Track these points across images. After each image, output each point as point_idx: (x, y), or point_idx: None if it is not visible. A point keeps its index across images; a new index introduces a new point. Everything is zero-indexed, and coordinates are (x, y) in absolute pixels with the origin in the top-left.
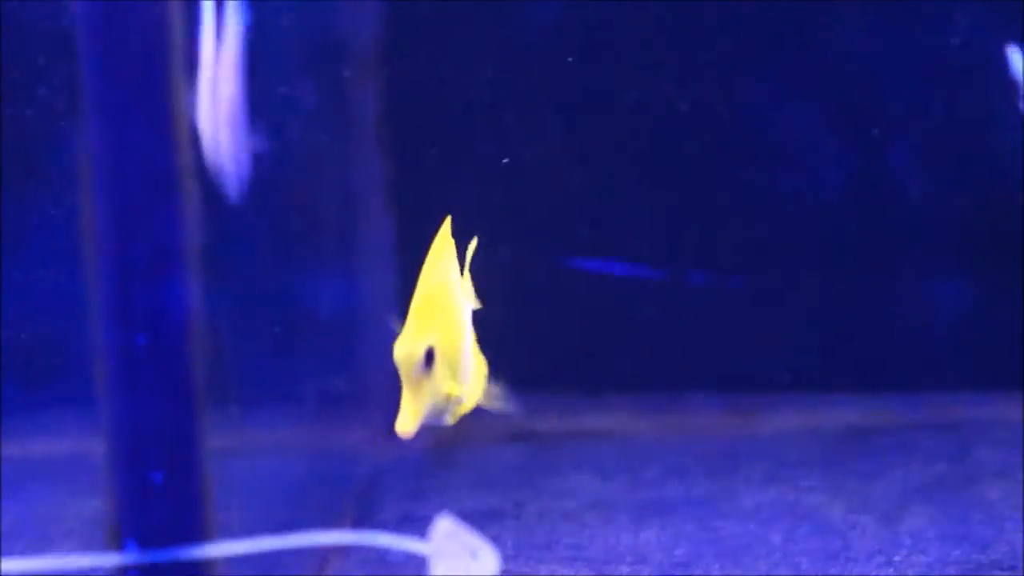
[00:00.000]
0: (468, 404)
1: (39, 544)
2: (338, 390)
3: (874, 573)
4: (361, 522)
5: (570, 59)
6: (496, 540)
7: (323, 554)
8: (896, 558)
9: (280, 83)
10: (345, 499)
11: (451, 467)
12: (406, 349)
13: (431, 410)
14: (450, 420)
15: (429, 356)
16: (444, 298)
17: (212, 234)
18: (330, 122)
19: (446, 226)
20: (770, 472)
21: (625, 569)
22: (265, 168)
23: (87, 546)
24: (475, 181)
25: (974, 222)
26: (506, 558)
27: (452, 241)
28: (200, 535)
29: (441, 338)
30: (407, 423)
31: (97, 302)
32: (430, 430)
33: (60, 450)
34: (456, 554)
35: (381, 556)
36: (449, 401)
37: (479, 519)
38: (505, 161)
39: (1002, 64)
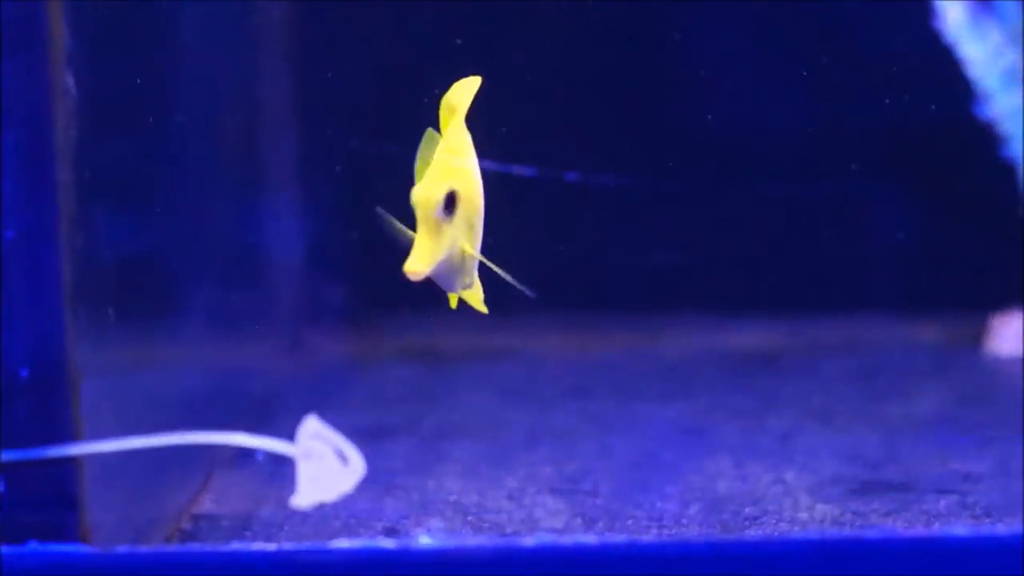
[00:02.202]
0: (476, 290)
1: None
2: (241, 305)
3: (765, 491)
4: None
5: None
6: (388, 453)
7: (210, 467)
8: (787, 476)
9: None
10: (239, 413)
11: (351, 384)
12: (427, 191)
13: (445, 263)
14: (458, 287)
15: (450, 199)
16: (463, 160)
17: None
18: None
19: (470, 84)
20: (670, 392)
21: (513, 483)
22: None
23: None
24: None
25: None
26: (397, 471)
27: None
28: (66, 435)
29: (461, 192)
30: (419, 263)
31: None
32: (336, 344)
33: None
34: (323, 455)
35: (271, 470)
36: (464, 261)
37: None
38: None
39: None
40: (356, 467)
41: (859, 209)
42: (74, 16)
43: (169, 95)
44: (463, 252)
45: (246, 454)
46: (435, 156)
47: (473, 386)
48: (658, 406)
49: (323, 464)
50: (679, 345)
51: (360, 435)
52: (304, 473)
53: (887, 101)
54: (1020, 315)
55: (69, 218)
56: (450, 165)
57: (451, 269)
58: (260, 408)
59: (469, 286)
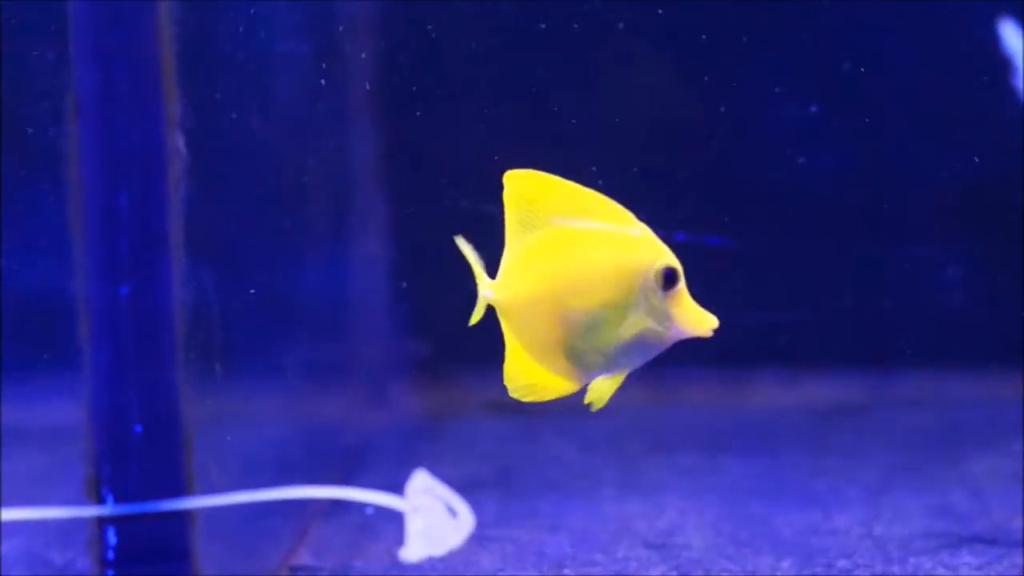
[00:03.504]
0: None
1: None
2: (329, 359)
3: (856, 545)
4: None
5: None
6: (478, 507)
7: (306, 519)
8: (877, 530)
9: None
10: (330, 466)
11: (436, 438)
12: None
13: None
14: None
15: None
16: None
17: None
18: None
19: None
20: (754, 446)
21: (606, 536)
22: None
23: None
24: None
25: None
26: (488, 524)
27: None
28: (178, 489)
29: None
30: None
31: (81, 253)
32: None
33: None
34: (433, 509)
35: (363, 522)
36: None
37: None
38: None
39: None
40: (465, 521)
41: (942, 262)
42: (185, 82)
43: (268, 156)
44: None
45: (342, 506)
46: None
47: (558, 440)
48: (744, 460)
49: (432, 518)
50: (762, 400)
51: (451, 488)
52: (413, 527)
53: (965, 156)
54: None
55: (180, 275)
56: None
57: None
58: (349, 461)
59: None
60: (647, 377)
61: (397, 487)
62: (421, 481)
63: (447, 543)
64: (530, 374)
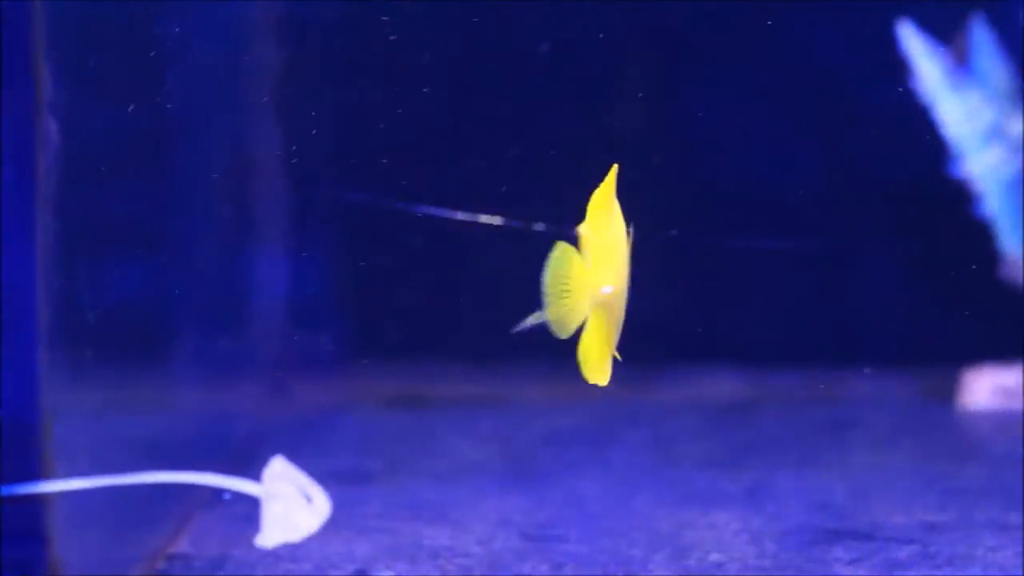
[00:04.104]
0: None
1: None
2: (225, 351)
3: (731, 539)
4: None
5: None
6: (364, 498)
7: (189, 508)
8: (755, 524)
9: None
10: (220, 457)
11: (333, 430)
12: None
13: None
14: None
15: None
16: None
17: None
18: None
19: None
20: (645, 441)
21: (484, 528)
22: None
23: None
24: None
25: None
26: (371, 515)
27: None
28: (36, 473)
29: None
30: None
31: None
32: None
33: None
34: (289, 496)
35: (248, 513)
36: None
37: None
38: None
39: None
40: (321, 508)
41: (835, 264)
42: (57, 64)
43: (154, 143)
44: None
45: (225, 496)
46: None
47: (453, 433)
48: (632, 455)
49: (288, 504)
50: (659, 395)
51: (338, 479)
52: (269, 513)
53: (865, 159)
54: (992, 371)
55: (48, 263)
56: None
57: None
58: (242, 452)
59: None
60: (547, 373)
61: None
62: (278, 467)
63: (302, 529)
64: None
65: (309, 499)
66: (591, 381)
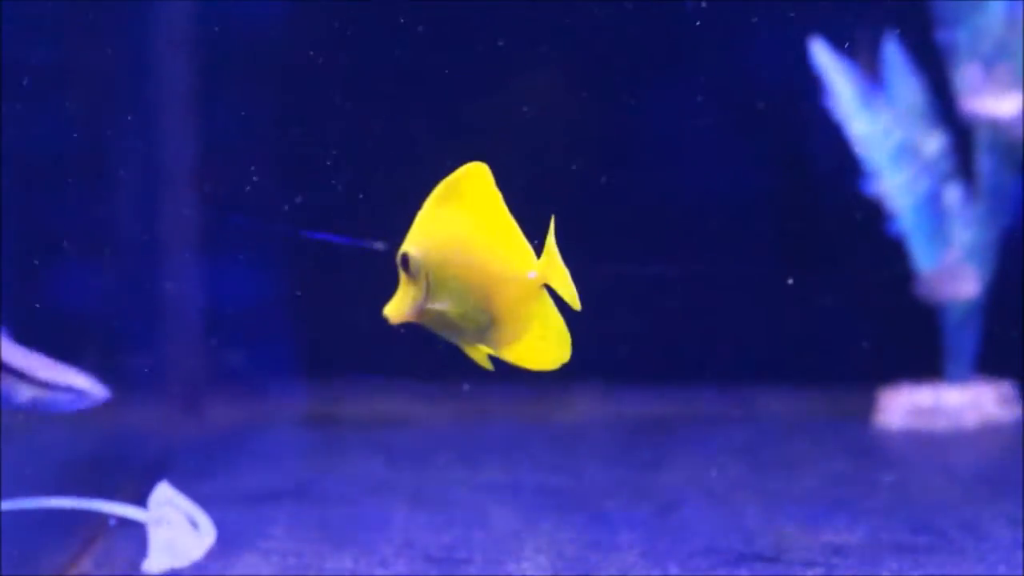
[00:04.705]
0: (476, 349)
1: None
2: (136, 367)
3: (635, 561)
4: (139, 499)
5: None
6: (270, 519)
7: (93, 531)
8: (660, 546)
9: None
10: (130, 475)
11: (244, 449)
12: (399, 251)
13: (418, 315)
14: (460, 343)
15: (404, 259)
16: (445, 229)
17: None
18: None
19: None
20: (557, 461)
21: (389, 550)
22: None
23: None
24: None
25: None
26: (276, 537)
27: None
28: None
29: (431, 256)
30: (390, 310)
31: None
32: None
33: None
34: (175, 522)
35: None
36: (442, 321)
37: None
38: None
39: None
40: (207, 533)
41: (750, 283)
42: None
43: (66, 146)
44: (438, 312)
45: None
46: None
47: (364, 452)
48: (544, 475)
49: (174, 530)
50: (572, 414)
51: (246, 500)
52: (155, 539)
53: (779, 177)
54: (907, 390)
55: None
56: (424, 230)
57: (434, 323)
58: (152, 471)
59: (465, 342)
60: (460, 392)
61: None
62: (163, 493)
63: (189, 555)
64: None
65: (195, 525)
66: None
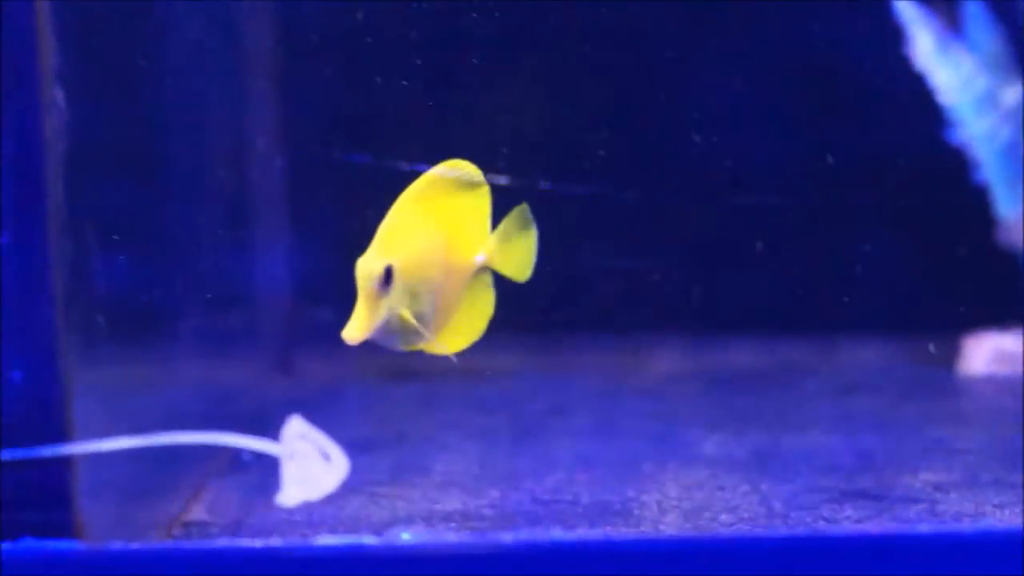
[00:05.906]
0: (432, 344)
1: None
2: (231, 326)
3: (740, 500)
4: (239, 450)
5: None
6: (372, 466)
7: (202, 476)
8: (763, 486)
9: None
10: (227, 427)
11: (337, 402)
12: (367, 266)
13: (383, 328)
14: (401, 346)
15: (387, 274)
16: (421, 231)
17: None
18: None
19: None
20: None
21: (495, 493)
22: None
23: None
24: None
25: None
26: (381, 482)
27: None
28: (58, 436)
29: (407, 264)
30: (354, 331)
31: None
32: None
33: None
34: (307, 455)
35: (261, 481)
36: (404, 327)
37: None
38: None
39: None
40: (340, 466)
41: (835, 232)
42: (65, 36)
43: (160, 119)
44: (402, 318)
45: (237, 465)
46: (390, 218)
47: (457, 404)
48: (638, 423)
49: (307, 463)
50: (660, 365)
51: (346, 448)
52: (289, 472)
53: (861, 126)
54: (991, 336)
55: (58, 228)
56: (402, 234)
57: (390, 332)
58: (249, 424)
59: (417, 343)
60: (547, 345)
61: None
62: (296, 427)
63: (322, 488)
64: None
65: (327, 457)
66: None
